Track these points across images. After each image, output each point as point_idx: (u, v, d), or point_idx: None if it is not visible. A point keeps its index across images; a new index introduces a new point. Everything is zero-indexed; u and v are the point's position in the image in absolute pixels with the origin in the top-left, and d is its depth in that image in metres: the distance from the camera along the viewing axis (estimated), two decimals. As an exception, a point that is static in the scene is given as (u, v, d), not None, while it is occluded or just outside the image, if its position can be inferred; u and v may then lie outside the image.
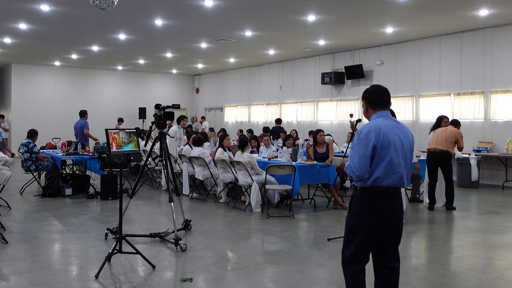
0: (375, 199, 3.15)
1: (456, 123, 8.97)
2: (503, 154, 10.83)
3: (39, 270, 4.75)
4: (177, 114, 8.10)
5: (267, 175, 7.57)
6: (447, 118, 8.68)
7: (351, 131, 10.25)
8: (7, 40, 13.63)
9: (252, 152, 9.22)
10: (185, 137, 11.41)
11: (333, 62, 15.55)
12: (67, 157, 9.63)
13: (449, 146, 8.09)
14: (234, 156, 8.43)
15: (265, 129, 14.73)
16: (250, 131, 14.42)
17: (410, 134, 3.30)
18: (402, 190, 3.37)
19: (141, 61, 18.24)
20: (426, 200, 8.31)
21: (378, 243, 3.25)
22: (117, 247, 4.89)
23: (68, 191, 9.21)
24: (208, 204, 8.58)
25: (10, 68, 19.00)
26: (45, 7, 9.88)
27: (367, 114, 3.35)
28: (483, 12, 10.04)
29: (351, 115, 12.45)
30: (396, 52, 13.73)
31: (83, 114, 13.06)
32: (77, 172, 9.87)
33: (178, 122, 10.95)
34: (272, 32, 12.32)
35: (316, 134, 8.50)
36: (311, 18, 10.65)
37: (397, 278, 3.29)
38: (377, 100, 3.29)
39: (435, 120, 8.74)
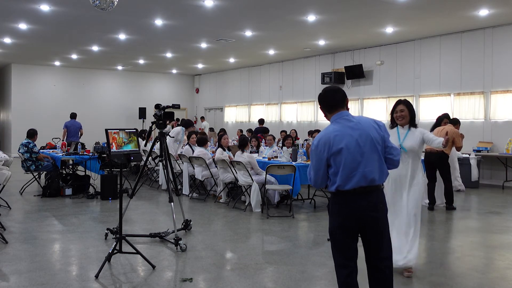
0: (342, 201, 3.14)
1: (455, 122, 8.94)
2: (503, 154, 10.83)
3: (39, 270, 4.75)
4: (177, 114, 8.09)
5: (267, 175, 7.58)
6: (447, 118, 8.66)
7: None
8: (7, 40, 13.63)
9: (252, 152, 9.23)
10: (185, 137, 11.36)
11: (333, 62, 15.54)
12: (67, 157, 9.64)
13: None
14: (234, 156, 8.44)
15: (263, 130, 14.69)
16: (250, 131, 14.41)
17: (371, 126, 3.17)
18: None
19: (141, 61, 18.23)
20: (426, 200, 8.31)
21: (363, 244, 3.21)
22: (117, 247, 4.89)
23: (68, 191, 9.22)
24: (208, 204, 8.58)
25: (10, 68, 18.99)
26: (45, 7, 9.88)
27: (327, 117, 3.36)
28: (483, 12, 10.03)
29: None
30: (396, 52, 13.72)
31: (76, 115, 13.15)
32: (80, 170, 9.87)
33: (186, 127, 10.80)
34: (272, 32, 12.32)
35: (312, 134, 8.52)
36: (311, 18, 10.64)
37: (390, 278, 3.21)
38: (330, 102, 3.30)
39: (435, 120, 8.73)
